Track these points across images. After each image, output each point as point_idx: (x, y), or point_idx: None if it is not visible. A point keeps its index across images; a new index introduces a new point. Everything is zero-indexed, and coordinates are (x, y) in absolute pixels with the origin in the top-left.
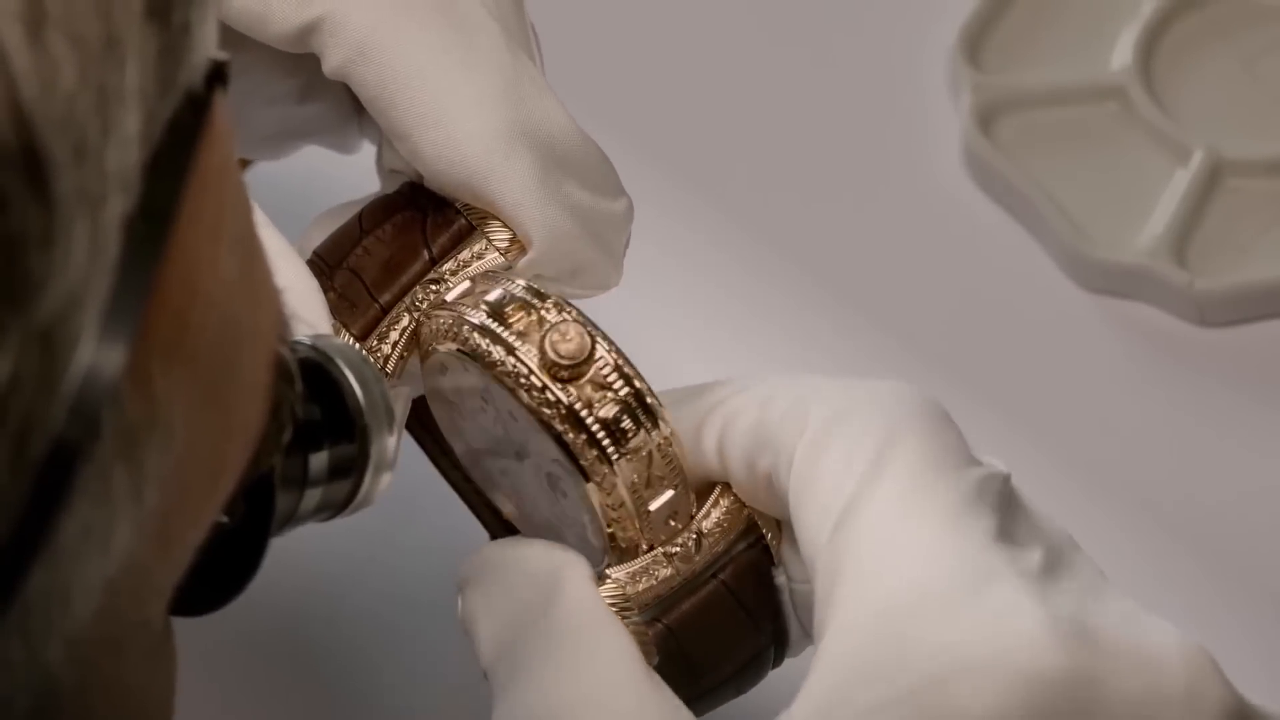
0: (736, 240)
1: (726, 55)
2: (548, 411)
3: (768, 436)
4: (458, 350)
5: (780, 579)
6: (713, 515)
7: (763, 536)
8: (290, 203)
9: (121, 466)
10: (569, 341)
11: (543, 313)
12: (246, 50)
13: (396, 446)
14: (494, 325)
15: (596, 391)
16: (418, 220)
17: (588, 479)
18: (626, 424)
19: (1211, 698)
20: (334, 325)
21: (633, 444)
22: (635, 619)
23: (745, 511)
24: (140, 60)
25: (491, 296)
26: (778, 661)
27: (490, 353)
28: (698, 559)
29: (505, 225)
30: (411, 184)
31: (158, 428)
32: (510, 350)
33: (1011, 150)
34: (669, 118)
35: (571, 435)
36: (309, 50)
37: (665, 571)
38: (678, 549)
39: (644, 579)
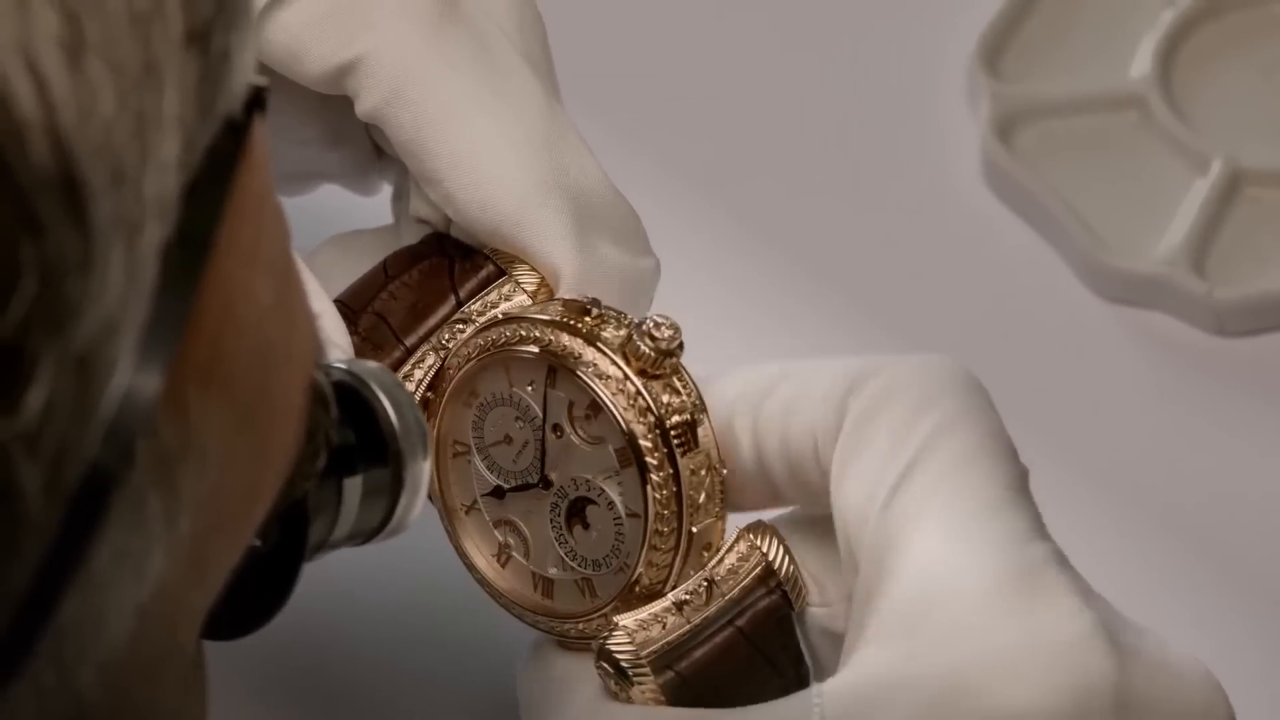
0: (755, 248)
1: (746, 65)
2: (625, 403)
3: (808, 411)
4: (538, 351)
5: (800, 619)
6: (726, 562)
7: (781, 582)
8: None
9: (156, 492)
10: (660, 336)
11: (615, 314)
12: (278, 91)
13: (430, 470)
14: (573, 321)
15: (671, 395)
16: (445, 266)
17: (647, 481)
18: (700, 430)
19: (1222, 715)
20: None
21: (700, 449)
22: (643, 670)
23: (762, 558)
24: (179, 86)
25: (554, 308)
26: None
27: (569, 346)
28: (710, 608)
29: (533, 269)
30: (438, 234)
31: (192, 453)
32: (592, 340)
33: (1030, 159)
34: (687, 126)
35: (647, 432)
36: (343, 92)
37: (674, 620)
38: (688, 597)
39: (653, 627)
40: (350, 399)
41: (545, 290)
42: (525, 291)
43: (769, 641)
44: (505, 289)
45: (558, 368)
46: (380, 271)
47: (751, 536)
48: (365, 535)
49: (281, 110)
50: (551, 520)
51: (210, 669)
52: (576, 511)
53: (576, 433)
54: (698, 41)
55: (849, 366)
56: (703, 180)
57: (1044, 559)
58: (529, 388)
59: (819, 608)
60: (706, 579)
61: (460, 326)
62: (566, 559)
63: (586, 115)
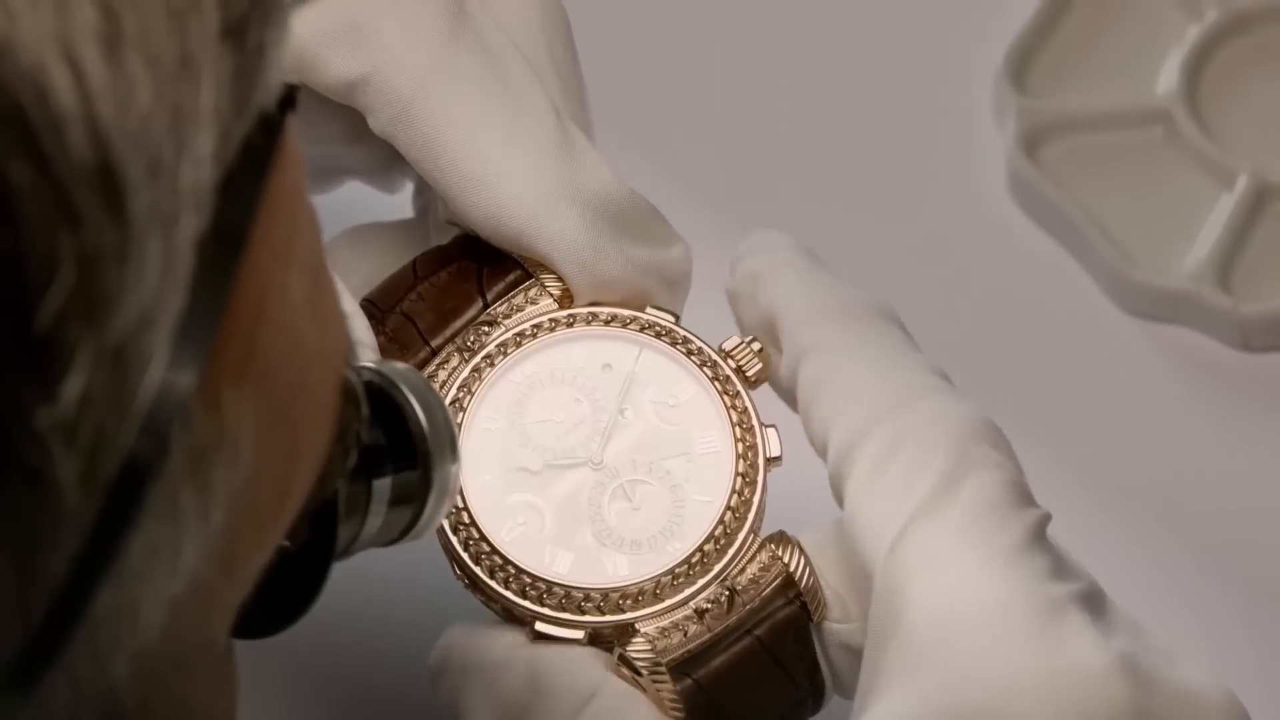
0: None
1: (774, 80)
2: (720, 388)
3: (833, 417)
4: (639, 330)
5: (819, 631)
6: (748, 571)
7: (801, 593)
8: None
9: (189, 486)
10: (753, 351)
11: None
12: (300, 91)
13: (458, 472)
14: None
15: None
16: (473, 269)
17: (742, 463)
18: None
19: None
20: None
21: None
22: (662, 677)
23: (783, 569)
24: (215, 80)
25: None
26: (815, 709)
27: (674, 330)
28: (730, 617)
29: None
30: (467, 235)
31: (225, 448)
32: (690, 340)
33: (1056, 174)
34: (714, 140)
35: (742, 421)
36: (354, 105)
37: (695, 628)
38: (709, 606)
39: (674, 634)
40: (380, 400)
41: (569, 296)
42: (551, 295)
43: (786, 651)
44: (531, 292)
45: (654, 349)
46: (410, 271)
47: (773, 547)
48: (393, 536)
49: (302, 107)
50: (590, 498)
51: (241, 665)
52: (626, 492)
53: (654, 416)
54: (726, 57)
55: (878, 383)
56: (730, 194)
57: (1065, 597)
58: (602, 369)
59: (840, 624)
60: (728, 588)
61: (485, 328)
62: (598, 537)
63: (614, 132)
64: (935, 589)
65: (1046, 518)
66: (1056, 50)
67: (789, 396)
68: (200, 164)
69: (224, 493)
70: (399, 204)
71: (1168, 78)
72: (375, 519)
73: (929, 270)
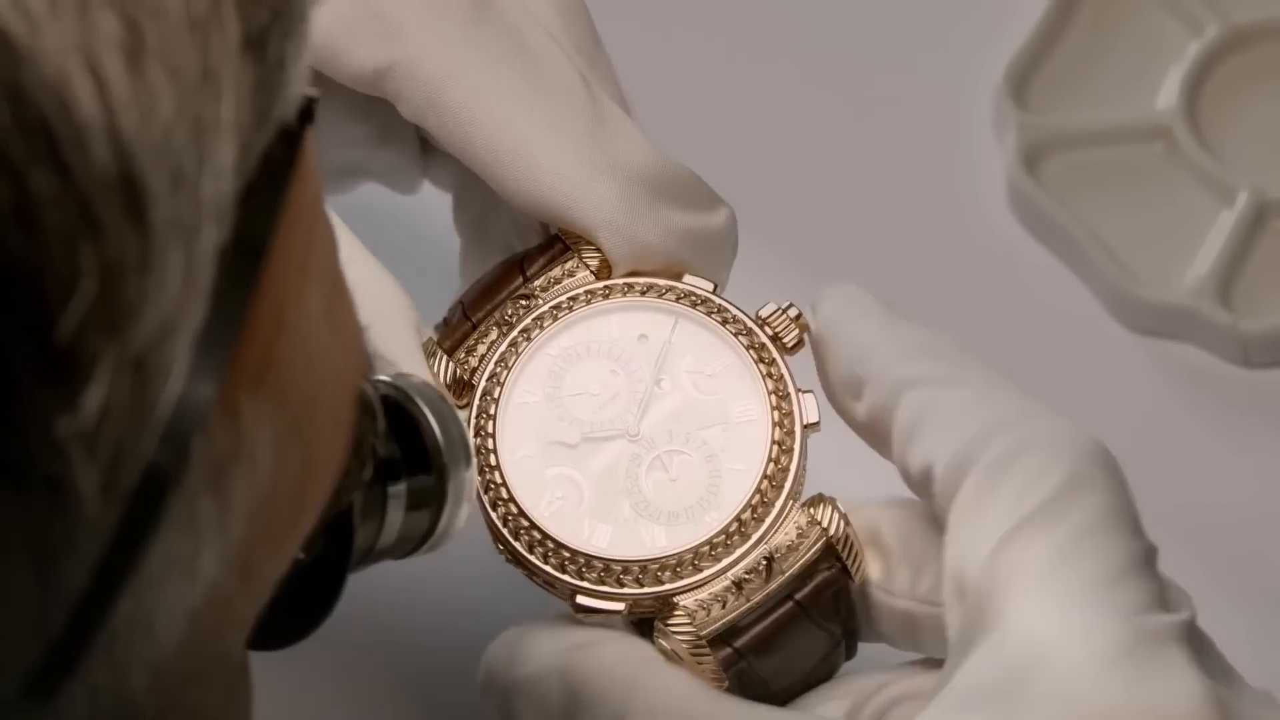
0: (784, 278)
1: (774, 95)
2: (755, 357)
3: (943, 440)
4: (675, 300)
5: (860, 593)
6: (786, 537)
7: (840, 555)
8: None
9: (208, 497)
10: (789, 318)
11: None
12: (325, 92)
13: (473, 483)
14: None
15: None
16: (518, 253)
17: (779, 431)
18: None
19: None
20: (427, 341)
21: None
22: (703, 650)
23: (822, 533)
24: (236, 93)
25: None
26: (849, 655)
27: (710, 299)
28: (770, 585)
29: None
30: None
31: (243, 459)
32: (726, 308)
33: (1057, 190)
34: (716, 153)
35: (779, 389)
36: (383, 94)
37: (734, 600)
38: (748, 576)
39: (713, 607)
40: (394, 412)
41: (607, 267)
42: (588, 267)
43: (825, 611)
44: (569, 265)
45: (690, 319)
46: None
47: (811, 510)
48: (409, 547)
49: (329, 109)
50: (628, 470)
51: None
52: (663, 463)
53: (691, 386)
54: (727, 73)
55: (987, 405)
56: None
57: (1164, 632)
58: (639, 340)
59: (907, 600)
60: (766, 557)
61: (524, 302)
62: (636, 509)
63: None
64: (1033, 604)
65: (1154, 550)
66: (1057, 66)
67: (878, 437)
68: (221, 175)
69: (242, 503)
70: (418, 205)
71: (1168, 94)
72: (391, 530)
73: (929, 285)
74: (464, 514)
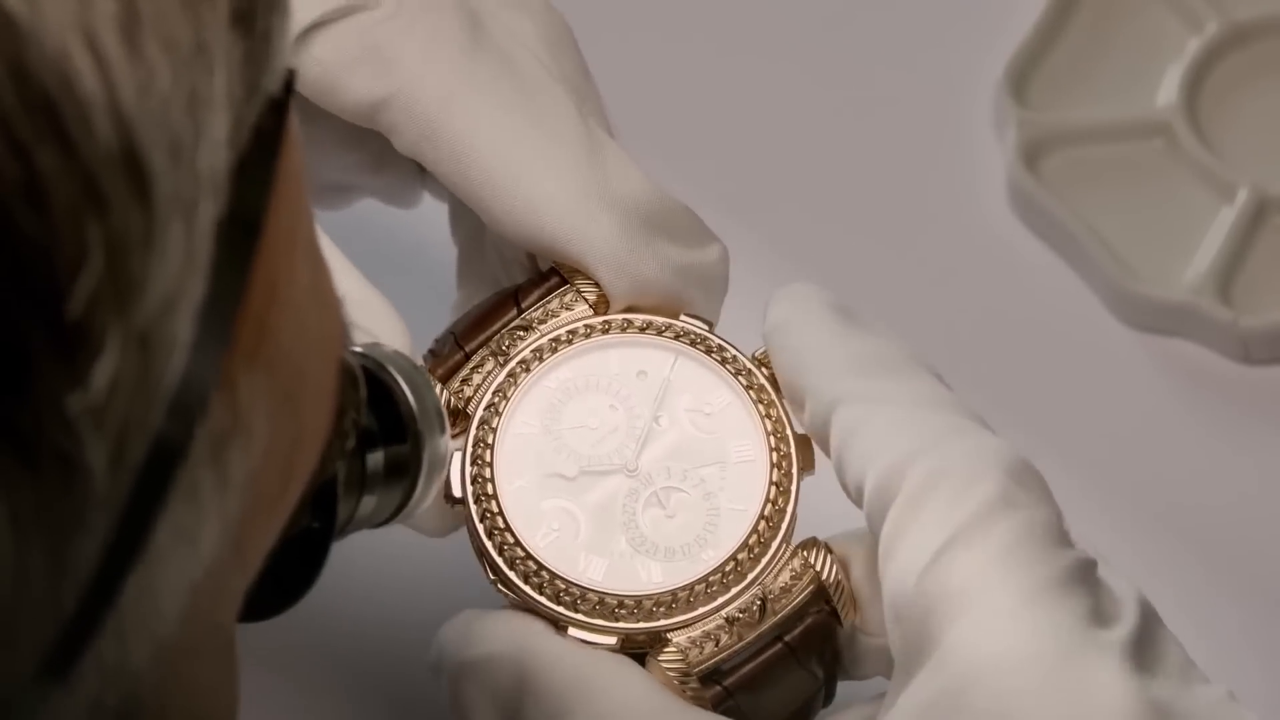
0: (784, 276)
1: (773, 94)
2: (755, 396)
3: (871, 460)
4: (674, 338)
5: (848, 637)
6: (780, 578)
7: (831, 600)
8: None
9: (209, 470)
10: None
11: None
12: (319, 121)
13: (448, 449)
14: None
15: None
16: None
17: (777, 473)
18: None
19: None
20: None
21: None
22: (693, 685)
23: (815, 576)
24: (227, 65)
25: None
26: (828, 699)
27: (709, 337)
28: (762, 625)
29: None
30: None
31: (240, 432)
32: (724, 348)
33: (1057, 187)
34: (715, 153)
35: (776, 430)
36: (378, 127)
37: (726, 638)
38: (740, 615)
39: (705, 644)
40: (369, 382)
41: (604, 301)
42: (586, 301)
43: (813, 655)
44: (566, 298)
45: (689, 357)
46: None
47: (805, 553)
48: (385, 516)
49: (324, 137)
50: (625, 505)
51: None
52: (660, 499)
53: (689, 424)
54: (725, 72)
55: (913, 424)
56: (729, 208)
57: (1099, 641)
58: (637, 376)
59: (869, 636)
60: (760, 597)
61: (520, 333)
62: (633, 544)
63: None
64: (968, 620)
65: (1089, 562)
66: (1057, 63)
67: (824, 450)
68: (216, 148)
69: (240, 476)
70: (415, 218)
71: (1168, 90)
72: (369, 499)
73: (929, 282)
74: (439, 481)
